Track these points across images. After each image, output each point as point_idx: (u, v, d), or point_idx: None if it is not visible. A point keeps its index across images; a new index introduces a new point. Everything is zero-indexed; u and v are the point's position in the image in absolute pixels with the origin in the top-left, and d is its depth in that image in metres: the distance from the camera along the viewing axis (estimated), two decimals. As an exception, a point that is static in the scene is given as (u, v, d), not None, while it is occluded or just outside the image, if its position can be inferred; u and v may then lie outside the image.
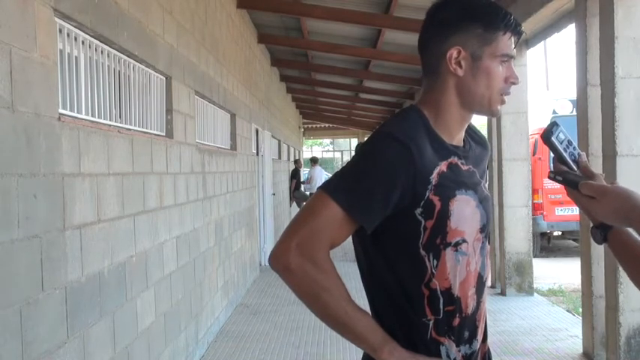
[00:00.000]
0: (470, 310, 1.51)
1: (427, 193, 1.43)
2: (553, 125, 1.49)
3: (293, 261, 1.39)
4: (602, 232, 1.49)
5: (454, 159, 1.50)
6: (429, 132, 1.49)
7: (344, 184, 1.44)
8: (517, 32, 1.50)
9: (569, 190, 1.50)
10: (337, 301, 1.41)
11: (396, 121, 1.52)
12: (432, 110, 1.52)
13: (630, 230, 1.46)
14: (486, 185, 1.63)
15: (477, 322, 1.54)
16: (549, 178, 1.53)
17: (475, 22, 1.47)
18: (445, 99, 1.51)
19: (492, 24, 1.47)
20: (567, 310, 7.09)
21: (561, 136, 1.49)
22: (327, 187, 1.44)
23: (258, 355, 5.58)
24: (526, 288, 7.69)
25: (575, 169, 1.50)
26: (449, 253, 1.46)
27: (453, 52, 1.47)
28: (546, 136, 1.48)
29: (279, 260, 1.42)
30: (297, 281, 1.42)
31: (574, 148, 1.51)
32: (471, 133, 1.63)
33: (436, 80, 1.52)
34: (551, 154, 1.52)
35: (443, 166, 1.47)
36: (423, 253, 1.45)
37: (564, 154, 1.49)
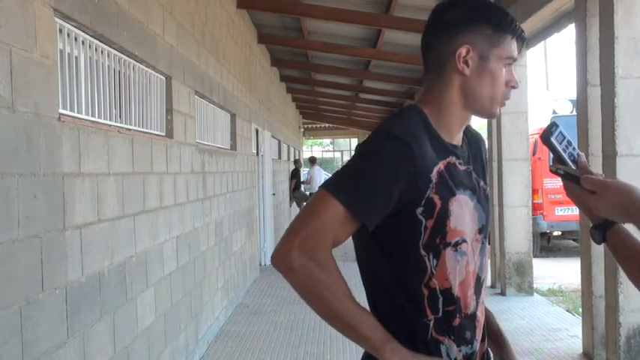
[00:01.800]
0: (470, 310, 1.51)
1: (428, 192, 1.43)
2: (552, 126, 1.49)
3: (296, 260, 1.39)
4: (601, 232, 1.49)
5: (452, 158, 1.50)
6: (429, 130, 1.49)
7: (345, 183, 1.44)
8: (522, 38, 1.53)
9: (569, 188, 1.50)
10: (340, 300, 1.41)
11: (395, 119, 1.52)
12: (433, 109, 1.52)
13: (629, 229, 1.46)
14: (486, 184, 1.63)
15: (476, 322, 1.54)
16: (551, 171, 1.53)
17: (485, 23, 1.48)
18: (448, 98, 1.51)
19: (501, 26, 1.49)
20: (567, 310, 7.09)
21: (560, 136, 1.49)
22: (328, 185, 1.44)
23: (258, 355, 5.58)
24: (526, 288, 7.69)
25: (575, 169, 1.50)
26: (449, 253, 1.46)
27: (462, 51, 1.48)
28: (545, 136, 1.48)
29: (282, 260, 1.41)
30: (300, 280, 1.41)
31: (573, 149, 1.51)
32: (466, 131, 1.63)
33: (440, 79, 1.52)
34: (551, 155, 1.53)
35: (442, 165, 1.47)
36: (423, 252, 1.45)
37: (563, 154, 1.49)
